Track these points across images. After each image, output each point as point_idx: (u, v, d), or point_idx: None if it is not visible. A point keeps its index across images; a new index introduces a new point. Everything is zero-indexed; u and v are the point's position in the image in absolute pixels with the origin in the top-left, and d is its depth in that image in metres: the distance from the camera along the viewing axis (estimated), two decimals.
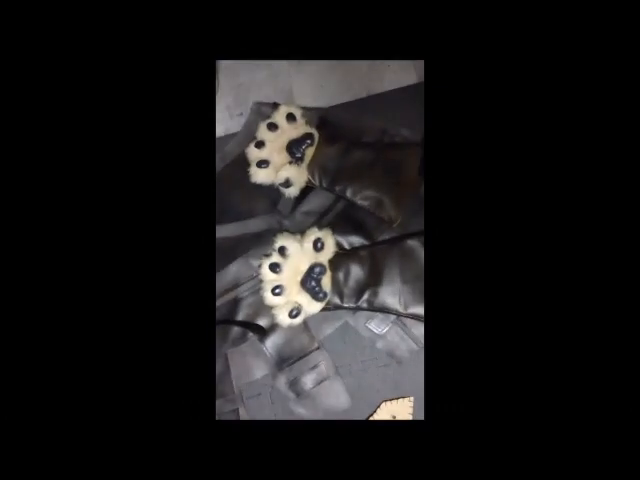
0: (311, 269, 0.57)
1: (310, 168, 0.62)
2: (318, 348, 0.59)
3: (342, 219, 0.62)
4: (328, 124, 0.65)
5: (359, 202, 0.60)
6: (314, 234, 0.58)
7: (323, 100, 0.68)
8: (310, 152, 0.61)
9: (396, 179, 0.61)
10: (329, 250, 0.58)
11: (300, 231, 0.61)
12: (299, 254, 0.57)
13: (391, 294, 0.57)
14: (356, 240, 0.61)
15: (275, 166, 0.61)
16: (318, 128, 0.62)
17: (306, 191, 0.63)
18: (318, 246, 0.58)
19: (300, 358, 0.58)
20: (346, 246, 0.61)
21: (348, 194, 0.61)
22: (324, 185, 0.62)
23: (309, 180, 0.62)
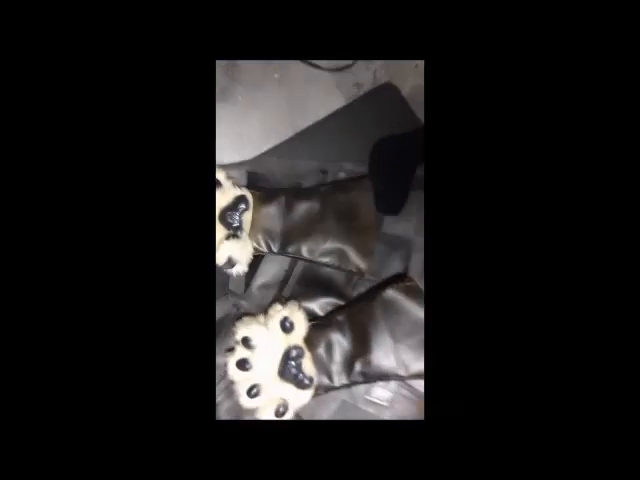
0: (286, 355, 0.48)
1: (253, 235, 0.52)
2: None
3: (306, 283, 0.53)
4: (259, 178, 0.56)
5: (319, 260, 0.52)
6: (278, 313, 0.49)
7: (246, 152, 0.59)
8: (248, 217, 0.52)
9: (353, 223, 0.53)
10: (301, 327, 0.49)
11: (262, 309, 0.51)
12: (267, 341, 0.48)
13: (385, 357, 0.48)
14: (328, 302, 0.52)
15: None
16: (249, 187, 0.53)
17: (256, 261, 0.53)
18: (287, 326, 0.48)
19: None
20: (319, 312, 0.52)
21: (305, 254, 0.52)
22: (274, 250, 0.53)
23: (255, 249, 0.53)
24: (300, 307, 0.50)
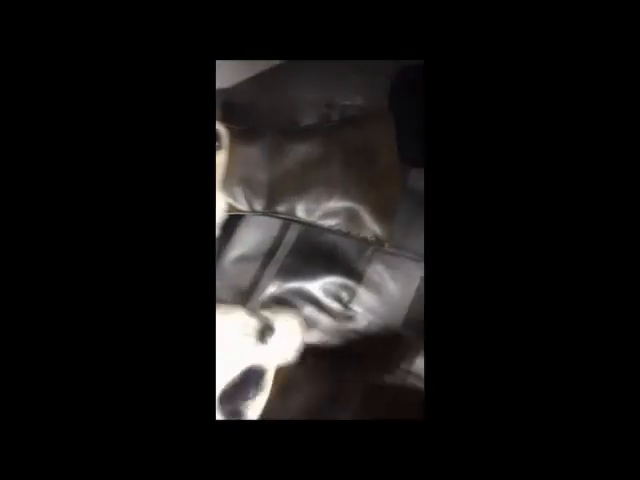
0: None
1: (228, 187, 0.38)
2: None
3: (301, 256, 0.39)
4: (238, 111, 0.41)
5: (321, 223, 0.38)
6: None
7: (224, 78, 0.43)
8: (221, 160, 0.38)
9: (368, 171, 0.39)
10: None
11: (239, 293, 0.37)
12: None
13: None
14: (333, 282, 0.38)
15: None
16: (224, 120, 0.39)
17: (232, 224, 0.39)
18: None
19: None
20: (319, 296, 0.38)
21: (300, 214, 0.38)
22: (258, 208, 0.39)
23: (230, 206, 0.38)
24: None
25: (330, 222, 0.38)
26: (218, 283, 0.39)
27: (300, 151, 0.39)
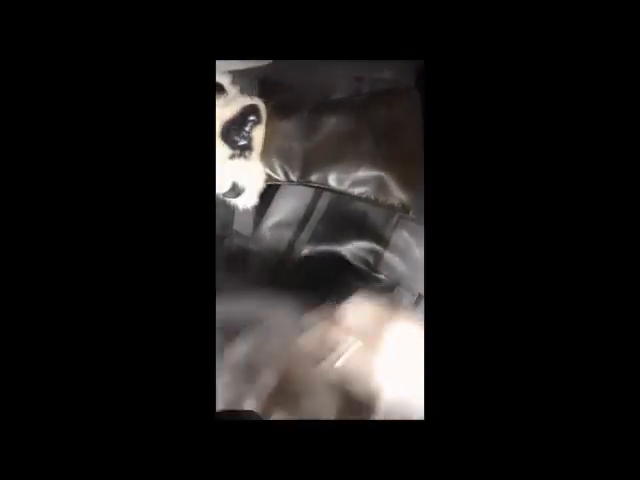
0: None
1: (266, 157, 0.41)
2: None
3: (332, 222, 0.42)
4: (275, 87, 0.43)
5: (351, 191, 0.40)
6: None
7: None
8: (259, 134, 0.40)
9: (395, 145, 0.40)
10: None
11: (276, 255, 0.40)
12: None
13: None
14: (361, 247, 0.41)
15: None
16: (262, 96, 0.41)
17: (269, 193, 0.42)
18: None
19: None
20: (349, 259, 0.41)
21: (332, 183, 0.41)
22: (293, 178, 0.41)
23: (268, 176, 0.41)
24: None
25: (359, 190, 0.40)
26: (256, 247, 0.43)
27: (332, 124, 0.41)
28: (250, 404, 0.34)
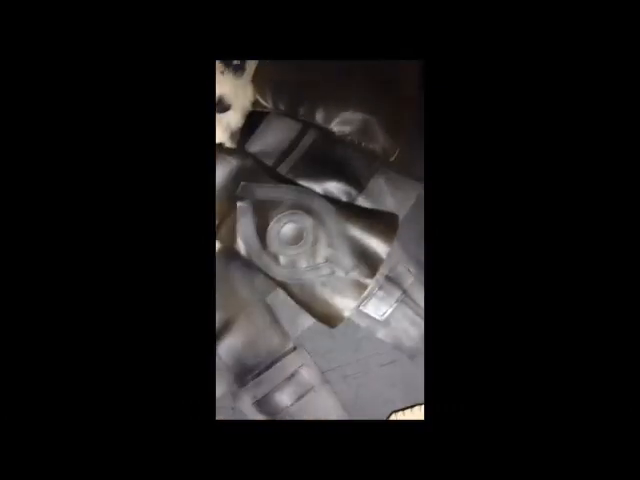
0: None
1: (257, 82, 0.40)
2: (295, 349, 0.41)
3: (312, 160, 0.42)
4: None
5: (336, 130, 0.41)
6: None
7: None
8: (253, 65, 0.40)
9: (388, 93, 0.41)
10: None
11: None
12: None
13: None
14: (337, 187, 0.42)
15: None
16: None
17: (253, 119, 0.42)
18: None
19: (270, 366, 0.40)
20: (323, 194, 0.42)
21: (318, 119, 0.41)
22: (281, 107, 0.41)
23: (257, 102, 0.41)
24: None
25: (344, 129, 0.40)
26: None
27: (329, 63, 0.41)
28: None
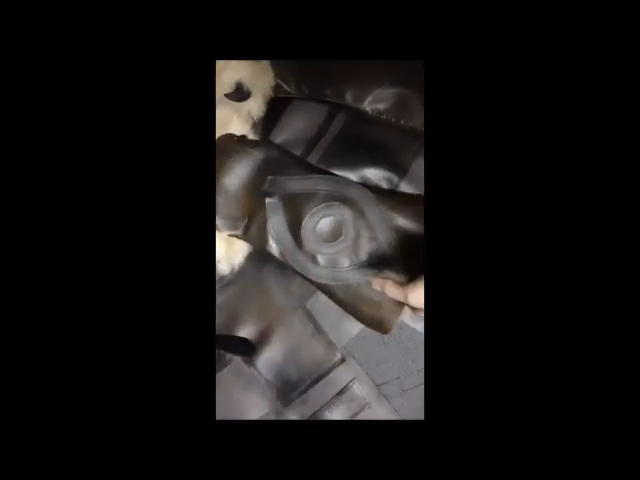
0: None
1: (278, 70, 0.37)
2: (343, 360, 0.36)
3: (346, 145, 0.38)
4: None
5: (369, 109, 0.36)
6: None
7: None
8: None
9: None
10: None
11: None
12: None
13: None
14: (376, 174, 0.37)
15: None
16: None
17: (276, 106, 0.38)
18: None
19: (317, 381, 0.36)
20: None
21: (348, 99, 0.37)
22: (306, 92, 0.37)
23: (278, 85, 0.37)
24: None
25: (378, 107, 0.36)
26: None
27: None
28: None
